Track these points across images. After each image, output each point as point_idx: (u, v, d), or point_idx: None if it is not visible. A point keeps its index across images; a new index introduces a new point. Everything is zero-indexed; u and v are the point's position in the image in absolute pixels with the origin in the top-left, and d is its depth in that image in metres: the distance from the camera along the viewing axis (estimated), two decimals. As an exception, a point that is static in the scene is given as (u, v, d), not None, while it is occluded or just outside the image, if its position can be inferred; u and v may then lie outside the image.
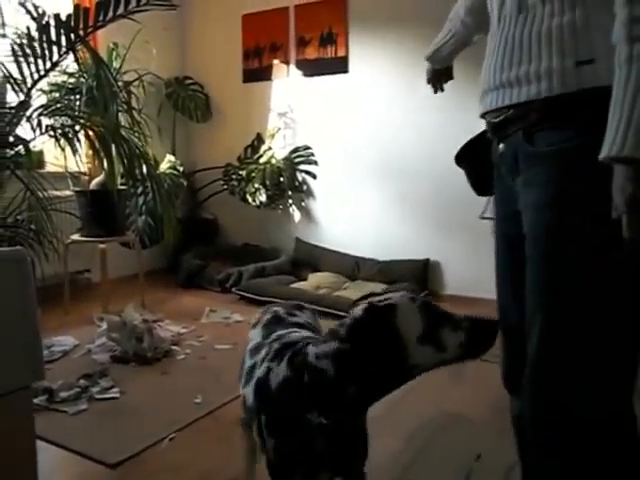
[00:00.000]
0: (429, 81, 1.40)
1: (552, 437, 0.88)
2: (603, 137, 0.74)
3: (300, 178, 4.00)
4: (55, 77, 2.85)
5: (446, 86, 1.45)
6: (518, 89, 0.89)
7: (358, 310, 0.96)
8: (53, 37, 2.04)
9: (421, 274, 3.53)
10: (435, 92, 1.41)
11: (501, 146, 0.97)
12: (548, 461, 0.90)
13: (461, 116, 3.29)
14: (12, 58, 2.13)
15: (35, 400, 1.90)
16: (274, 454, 0.99)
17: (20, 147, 2.22)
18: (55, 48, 2.06)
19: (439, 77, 1.38)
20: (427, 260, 3.56)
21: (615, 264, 0.81)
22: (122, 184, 2.97)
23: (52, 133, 2.26)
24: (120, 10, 2.03)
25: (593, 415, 0.85)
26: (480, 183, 1.11)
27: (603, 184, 0.77)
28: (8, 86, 2.22)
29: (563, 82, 0.83)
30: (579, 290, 0.83)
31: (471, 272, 3.45)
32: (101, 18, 2.03)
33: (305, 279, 3.67)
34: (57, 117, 2.33)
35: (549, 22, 0.85)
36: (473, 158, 1.09)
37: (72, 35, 2.04)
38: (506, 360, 1.06)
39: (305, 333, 1.14)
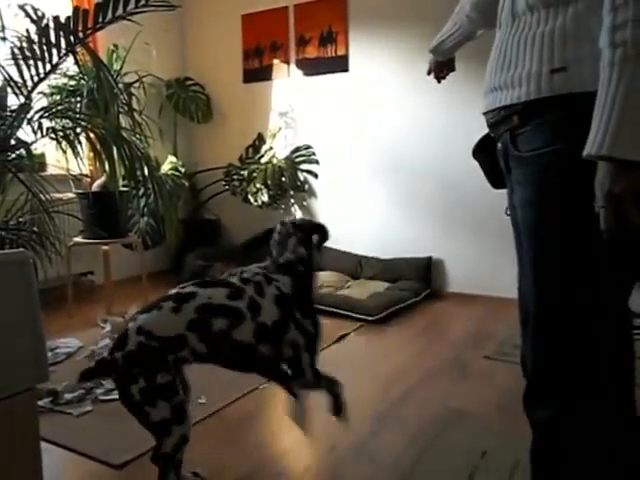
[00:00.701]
0: (430, 72, 1.46)
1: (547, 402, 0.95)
2: (578, 142, 0.80)
3: (302, 178, 4.00)
4: (56, 80, 2.86)
5: (447, 84, 1.49)
6: (507, 92, 0.95)
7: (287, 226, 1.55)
8: (53, 39, 2.04)
9: (424, 272, 3.53)
10: (439, 82, 1.48)
11: (498, 145, 1.04)
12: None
13: (462, 114, 3.30)
14: (12, 61, 2.13)
15: (40, 402, 1.90)
16: (315, 328, 1.44)
17: (22, 150, 2.22)
18: (55, 50, 2.06)
19: (441, 69, 1.44)
20: (430, 258, 3.55)
21: (593, 256, 0.88)
22: (124, 186, 2.97)
23: (53, 135, 2.26)
24: (119, 11, 2.03)
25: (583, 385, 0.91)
26: (495, 176, 1.14)
27: (578, 185, 0.84)
28: (8, 89, 2.22)
29: (538, 88, 0.88)
30: (562, 282, 0.92)
31: (474, 270, 3.44)
32: (100, 20, 2.03)
33: (308, 278, 3.66)
34: (58, 119, 2.33)
35: (535, 30, 0.90)
36: (487, 152, 1.12)
37: (71, 37, 2.04)
38: (524, 345, 1.09)
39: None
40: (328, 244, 4.28)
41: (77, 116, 2.46)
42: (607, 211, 0.78)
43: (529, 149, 0.92)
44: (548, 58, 0.88)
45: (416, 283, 3.42)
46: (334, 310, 3.00)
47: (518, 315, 1.10)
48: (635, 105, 0.76)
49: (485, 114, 1.05)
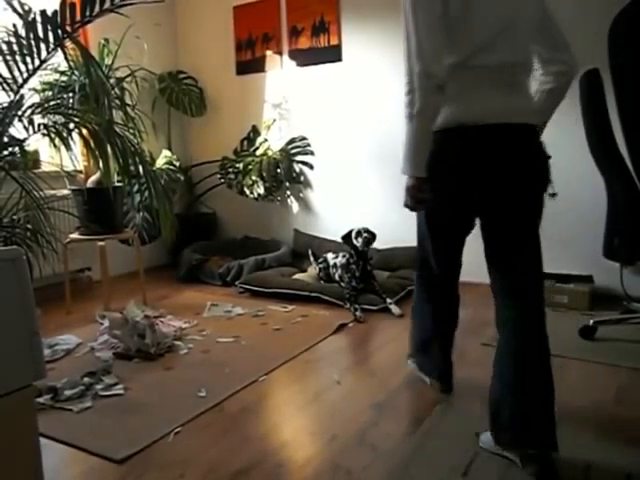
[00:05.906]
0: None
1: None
2: (441, 163, 1.46)
3: (297, 169, 3.98)
4: (47, 76, 2.84)
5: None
6: None
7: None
8: (40, 34, 2.01)
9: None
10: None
11: None
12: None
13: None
14: (0, 57, 2.11)
15: (40, 399, 1.90)
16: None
17: (15, 148, 2.20)
18: (43, 45, 2.04)
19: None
20: (427, 246, 3.54)
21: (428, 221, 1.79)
22: (118, 181, 2.96)
23: (45, 132, 2.24)
24: (107, 4, 2.01)
25: None
26: None
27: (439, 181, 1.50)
28: (-2, 86, 2.20)
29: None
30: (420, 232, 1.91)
31: (473, 257, 3.43)
32: (88, 13, 2.00)
33: (306, 270, 3.66)
34: (50, 115, 2.31)
35: None
36: None
37: (59, 31, 2.01)
38: None
39: None
40: (324, 235, 4.29)
41: (69, 112, 2.44)
42: (405, 195, 1.53)
43: None
44: None
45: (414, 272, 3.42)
46: (334, 301, 3.08)
47: None
48: (408, 149, 1.45)
49: None
